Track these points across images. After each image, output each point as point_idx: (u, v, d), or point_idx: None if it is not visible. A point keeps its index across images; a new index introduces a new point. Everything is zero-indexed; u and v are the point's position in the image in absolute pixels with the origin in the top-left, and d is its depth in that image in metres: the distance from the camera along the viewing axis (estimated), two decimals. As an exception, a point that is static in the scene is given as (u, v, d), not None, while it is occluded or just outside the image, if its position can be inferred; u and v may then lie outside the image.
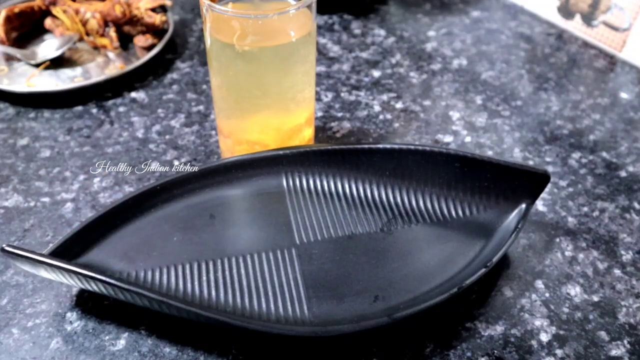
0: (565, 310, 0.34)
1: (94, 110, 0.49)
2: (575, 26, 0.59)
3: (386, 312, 0.31)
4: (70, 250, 0.33)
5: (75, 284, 0.32)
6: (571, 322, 0.33)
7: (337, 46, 0.57)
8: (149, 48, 0.54)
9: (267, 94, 0.37)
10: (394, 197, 0.38)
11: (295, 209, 0.37)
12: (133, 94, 0.51)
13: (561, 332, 0.33)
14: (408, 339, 0.32)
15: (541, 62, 0.56)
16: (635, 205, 0.41)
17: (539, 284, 0.35)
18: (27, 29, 0.57)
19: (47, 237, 0.38)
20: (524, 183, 0.36)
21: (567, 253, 0.37)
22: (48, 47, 0.54)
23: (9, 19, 0.55)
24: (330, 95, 0.51)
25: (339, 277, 0.33)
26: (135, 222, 0.36)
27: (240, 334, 0.32)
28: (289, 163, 0.39)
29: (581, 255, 0.37)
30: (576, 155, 0.45)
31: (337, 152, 0.39)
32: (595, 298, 0.34)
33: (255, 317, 0.31)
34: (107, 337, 0.32)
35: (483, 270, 0.32)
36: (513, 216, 0.36)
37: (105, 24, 0.55)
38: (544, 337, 0.32)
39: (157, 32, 0.56)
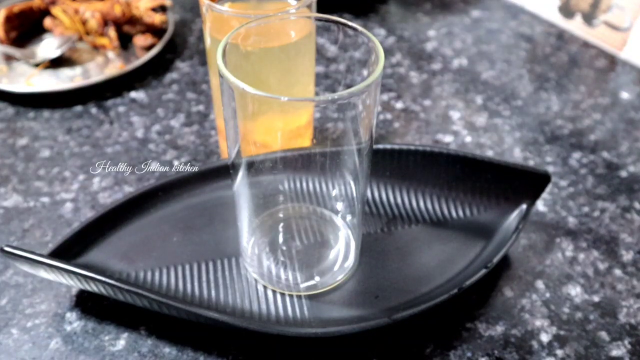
0: (566, 310, 0.34)
1: (94, 110, 0.49)
2: (575, 26, 0.59)
3: (386, 313, 0.31)
4: (70, 250, 0.33)
5: (75, 284, 0.32)
6: (572, 323, 0.33)
7: (334, 46, 0.57)
8: (148, 48, 0.54)
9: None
10: (394, 198, 0.38)
11: (295, 210, 0.37)
12: (133, 94, 0.50)
13: (562, 333, 0.32)
14: (408, 340, 0.32)
15: (542, 61, 0.56)
16: (636, 205, 0.41)
17: (540, 284, 0.35)
18: (27, 28, 0.57)
19: (47, 237, 0.38)
20: (524, 183, 0.36)
21: (567, 253, 0.37)
22: (47, 47, 0.54)
23: (8, 19, 0.54)
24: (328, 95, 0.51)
25: (339, 278, 0.33)
26: (135, 222, 0.36)
27: (240, 334, 0.32)
28: (289, 164, 0.39)
29: (582, 256, 0.37)
30: (577, 155, 0.45)
31: (336, 154, 0.38)
32: (596, 298, 0.34)
33: (255, 317, 0.31)
34: (106, 338, 0.32)
35: (484, 271, 0.32)
36: (514, 217, 0.36)
37: (105, 23, 0.55)
38: (545, 338, 0.32)
39: (156, 31, 0.56)
